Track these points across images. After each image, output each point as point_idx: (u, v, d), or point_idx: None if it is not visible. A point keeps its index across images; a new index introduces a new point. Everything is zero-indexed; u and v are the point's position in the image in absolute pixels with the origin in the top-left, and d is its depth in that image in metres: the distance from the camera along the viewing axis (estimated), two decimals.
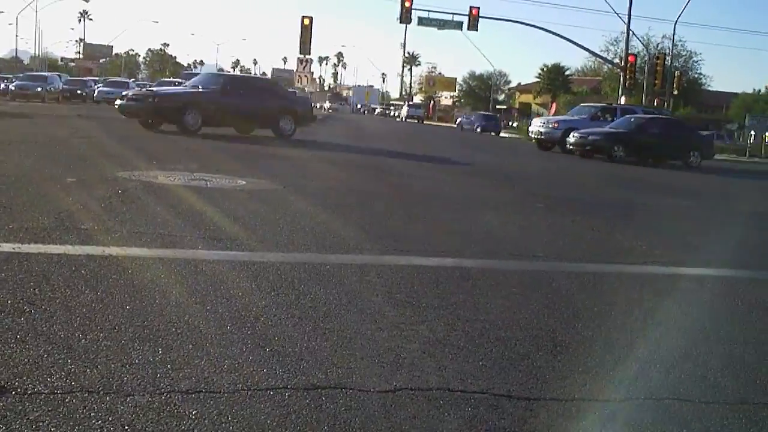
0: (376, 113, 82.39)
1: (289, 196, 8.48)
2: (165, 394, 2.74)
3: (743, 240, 8.35)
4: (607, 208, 10.80)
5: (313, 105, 23.47)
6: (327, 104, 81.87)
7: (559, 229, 7.87)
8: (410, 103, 76.11)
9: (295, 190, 8.88)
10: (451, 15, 44.25)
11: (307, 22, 41.03)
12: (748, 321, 4.67)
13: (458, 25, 43.47)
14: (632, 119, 26.07)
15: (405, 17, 42.27)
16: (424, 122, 69.46)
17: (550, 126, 28.35)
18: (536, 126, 29.54)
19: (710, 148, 26.57)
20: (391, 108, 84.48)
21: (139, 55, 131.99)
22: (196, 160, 11.51)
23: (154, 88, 23.18)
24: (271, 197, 8.22)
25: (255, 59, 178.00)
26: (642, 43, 50.93)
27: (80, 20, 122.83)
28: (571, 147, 24.95)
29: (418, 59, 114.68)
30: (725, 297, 5.29)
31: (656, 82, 42.54)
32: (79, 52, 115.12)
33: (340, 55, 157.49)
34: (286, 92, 22.82)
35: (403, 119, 70.63)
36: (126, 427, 2.48)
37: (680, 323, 4.44)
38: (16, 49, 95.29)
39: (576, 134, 24.65)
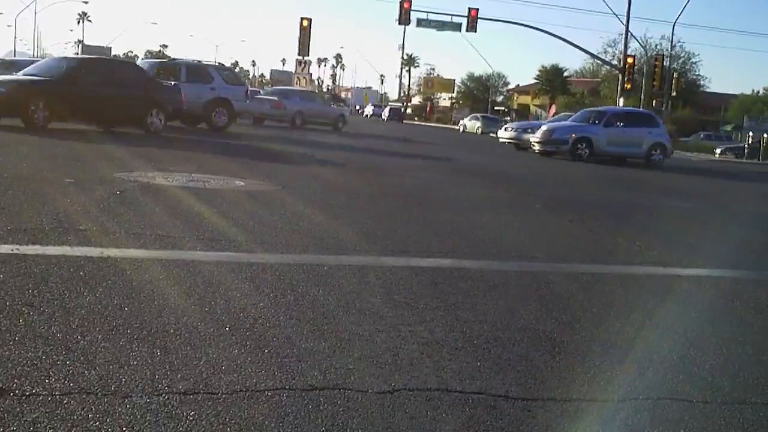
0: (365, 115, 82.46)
1: (287, 196, 8.49)
2: (163, 396, 2.74)
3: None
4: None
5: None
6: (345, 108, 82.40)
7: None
8: (392, 107, 77.70)
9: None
10: (450, 16, 44.33)
11: (305, 23, 41.11)
12: (747, 321, 4.68)
13: (457, 27, 43.50)
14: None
15: (404, 19, 42.31)
16: (418, 122, 70.79)
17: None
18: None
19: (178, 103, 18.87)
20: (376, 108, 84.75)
21: (138, 57, 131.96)
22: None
23: None
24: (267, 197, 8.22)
25: (253, 60, 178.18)
26: (640, 45, 51.04)
27: (79, 22, 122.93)
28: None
29: (417, 61, 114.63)
30: (723, 297, 5.30)
31: (655, 83, 42.57)
32: (77, 54, 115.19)
33: (338, 57, 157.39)
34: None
35: (385, 119, 71.06)
36: (124, 429, 2.48)
37: (679, 323, 4.45)
38: (15, 50, 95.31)
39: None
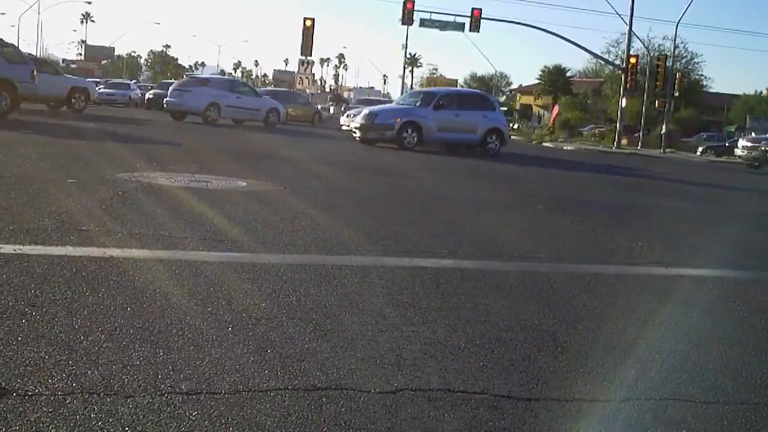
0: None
1: (289, 197, 8.48)
2: (166, 396, 2.74)
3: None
4: None
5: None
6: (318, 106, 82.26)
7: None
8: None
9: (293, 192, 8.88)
10: (453, 16, 44.17)
11: (308, 23, 41.05)
12: (749, 322, 4.67)
13: (460, 27, 43.42)
14: None
15: (407, 19, 42.24)
16: None
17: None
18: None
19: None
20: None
21: (141, 57, 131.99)
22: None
23: None
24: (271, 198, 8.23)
25: (256, 60, 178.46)
26: (643, 45, 50.96)
27: (82, 22, 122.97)
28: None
29: (420, 61, 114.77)
30: (725, 298, 5.29)
31: (657, 83, 42.50)
32: (80, 54, 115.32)
33: (341, 57, 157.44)
34: None
35: None
36: (126, 429, 2.48)
37: (681, 324, 4.44)
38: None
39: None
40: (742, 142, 31.31)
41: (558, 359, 3.59)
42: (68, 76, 30.35)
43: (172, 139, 16.84)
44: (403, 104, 22.60)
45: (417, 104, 21.57)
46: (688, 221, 10.33)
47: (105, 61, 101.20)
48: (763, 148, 28.11)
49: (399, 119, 20.44)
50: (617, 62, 49.94)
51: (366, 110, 21.91)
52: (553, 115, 55.27)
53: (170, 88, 29.67)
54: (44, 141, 13.26)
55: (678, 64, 52.65)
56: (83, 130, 16.80)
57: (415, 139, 20.41)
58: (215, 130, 23.57)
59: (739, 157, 30.38)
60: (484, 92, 26.49)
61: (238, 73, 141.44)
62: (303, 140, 22.29)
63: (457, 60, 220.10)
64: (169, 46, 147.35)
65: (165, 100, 28.72)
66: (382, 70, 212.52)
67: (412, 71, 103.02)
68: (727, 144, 41.57)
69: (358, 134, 21.29)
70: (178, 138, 17.59)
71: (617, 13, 52.51)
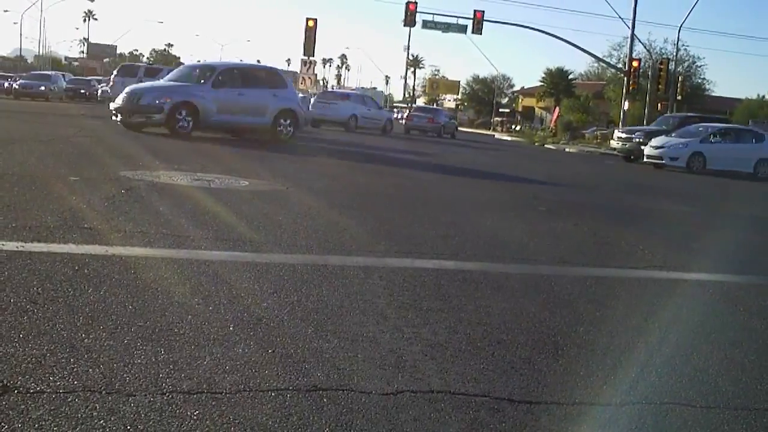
0: None
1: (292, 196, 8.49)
2: (167, 395, 2.75)
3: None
4: None
5: None
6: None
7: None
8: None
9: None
10: (456, 18, 44.19)
11: (311, 23, 41.05)
12: (749, 326, 4.67)
13: (462, 29, 43.42)
14: None
15: (409, 20, 42.25)
16: None
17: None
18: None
19: None
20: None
21: (143, 55, 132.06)
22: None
23: None
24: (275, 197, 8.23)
25: (258, 60, 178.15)
26: (645, 48, 50.92)
27: (85, 20, 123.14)
28: None
29: (422, 62, 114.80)
30: (726, 301, 5.29)
31: (659, 87, 42.47)
32: (83, 52, 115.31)
33: (343, 57, 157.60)
34: None
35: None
36: (128, 427, 2.48)
37: (681, 327, 4.44)
38: (21, 47, 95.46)
39: None
40: (617, 134, 31.41)
41: (559, 362, 3.60)
42: None
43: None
44: (175, 81, 18.44)
45: (194, 81, 17.98)
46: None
47: (106, 60, 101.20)
48: (636, 140, 28.40)
49: (169, 99, 16.82)
50: (619, 65, 49.92)
51: (128, 89, 17.92)
52: (554, 117, 55.25)
53: (313, 101, 33.45)
54: None
55: (680, 67, 52.60)
56: None
57: (189, 123, 16.84)
58: (356, 135, 28.23)
59: (614, 149, 30.65)
60: (275, 68, 21.78)
61: None
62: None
63: (459, 61, 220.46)
64: (172, 45, 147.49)
65: (310, 110, 29.34)
66: (384, 70, 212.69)
67: (414, 72, 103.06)
68: None
69: (118, 117, 17.49)
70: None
71: (620, 17, 52.85)
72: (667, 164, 23.89)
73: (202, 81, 17.70)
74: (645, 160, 24.96)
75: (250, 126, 18.22)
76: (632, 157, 27.91)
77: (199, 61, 32.79)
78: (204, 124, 17.18)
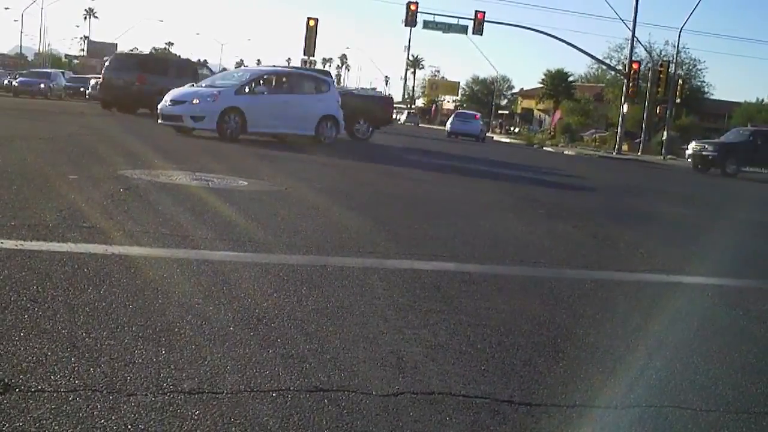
0: None
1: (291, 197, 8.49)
2: (168, 394, 2.75)
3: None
4: None
5: None
6: None
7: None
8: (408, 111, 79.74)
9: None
10: (457, 19, 44.27)
11: (312, 23, 41.10)
12: (749, 330, 4.67)
13: (463, 29, 43.45)
14: None
15: (410, 20, 42.27)
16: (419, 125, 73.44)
17: None
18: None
19: None
20: None
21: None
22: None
23: None
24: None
25: (259, 59, 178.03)
26: (646, 50, 50.93)
27: (86, 18, 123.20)
28: None
29: (422, 62, 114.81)
30: (726, 305, 5.29)
31: (659, 89, 42.46)
32: (83, 50, 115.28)
33: (343, 57, 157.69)
34: None
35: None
36: (128, 427, 2.48)
37: (680, 331, 4.45)
38: (21, 45, 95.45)
39: None
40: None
41: (559, 364, 3.60)
42: None
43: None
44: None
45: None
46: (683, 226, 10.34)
47: (106, 58, 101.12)
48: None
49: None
50: (619, 67, 49.94)
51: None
52: (555, 119, 55.29)
53: (452, 118, 48.77)
54: None
55: (680, 70, 52.59)
56: None
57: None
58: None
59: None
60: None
61: None
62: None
63: (459, 62, 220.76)
64: (172, 44, 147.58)
65: (449, 127, 47.56)
66: (384, 71, 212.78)
67: (414, 73, 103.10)
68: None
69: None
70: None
71: (620, 19, 52.77)
72: (193, 127, 17.71)
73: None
74: (160, 121, 18.24)
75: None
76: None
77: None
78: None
